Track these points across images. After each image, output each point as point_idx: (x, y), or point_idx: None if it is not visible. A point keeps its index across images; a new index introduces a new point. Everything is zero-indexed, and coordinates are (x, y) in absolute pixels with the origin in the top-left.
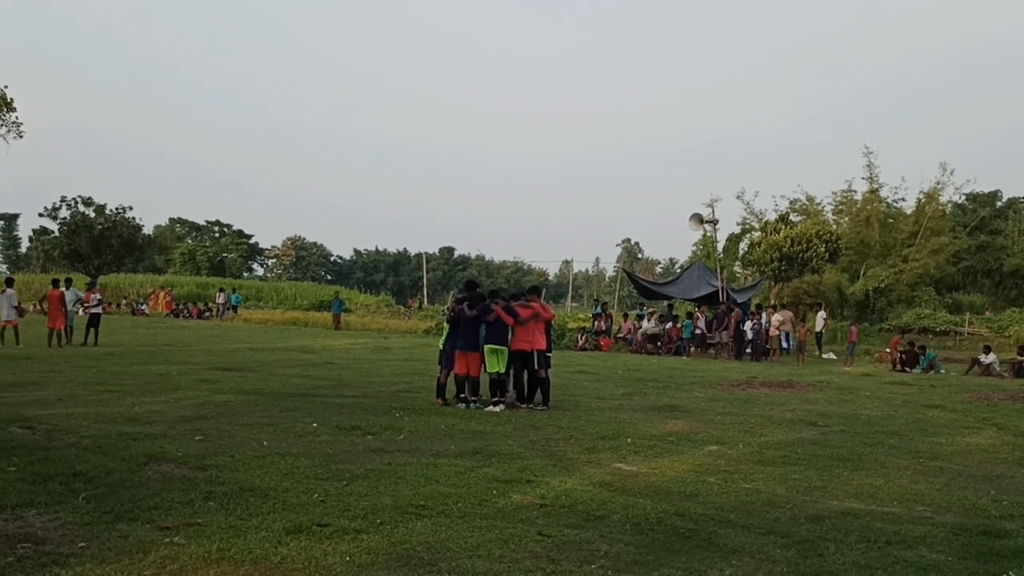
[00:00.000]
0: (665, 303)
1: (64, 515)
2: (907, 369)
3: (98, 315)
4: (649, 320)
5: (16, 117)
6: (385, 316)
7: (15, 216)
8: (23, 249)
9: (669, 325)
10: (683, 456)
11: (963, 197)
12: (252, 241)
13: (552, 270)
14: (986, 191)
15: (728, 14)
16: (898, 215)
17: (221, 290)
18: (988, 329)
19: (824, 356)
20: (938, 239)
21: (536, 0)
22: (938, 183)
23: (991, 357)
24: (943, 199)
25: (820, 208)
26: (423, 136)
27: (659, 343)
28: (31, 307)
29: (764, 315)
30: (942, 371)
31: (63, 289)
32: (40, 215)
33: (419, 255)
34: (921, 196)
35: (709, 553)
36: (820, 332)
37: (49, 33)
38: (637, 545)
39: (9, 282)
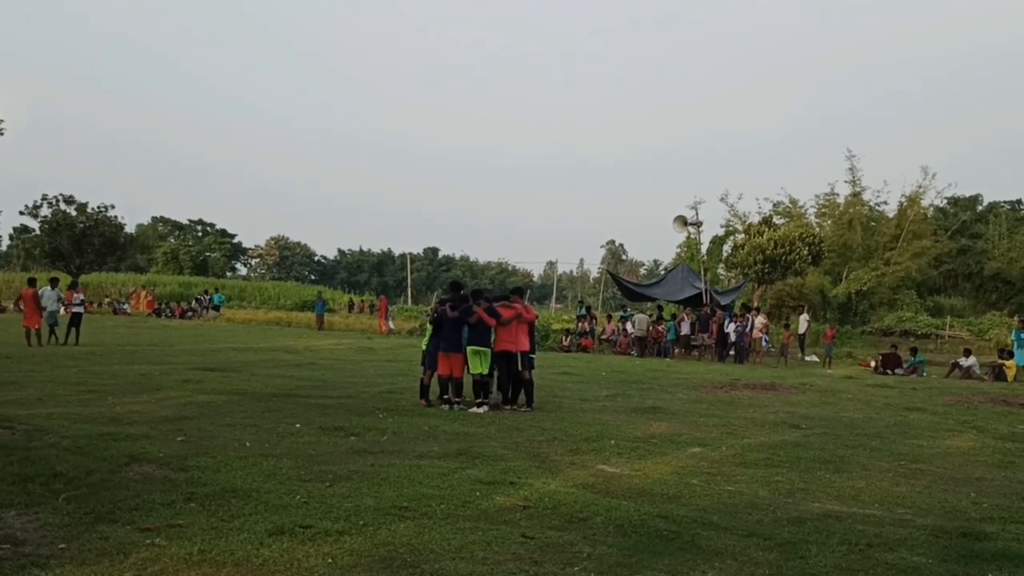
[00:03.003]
0: (655, 304)
1: (44, 516)
2: (888, 372)
3: (80, 314)
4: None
5: None
6: (369, 316)
7: None
8: (3, 247)
9: (650, 327)
10: (666, 458)
11: (944, 201)
12: (235, 240)
13: (536, 271)
14: (967, 195)
15: (713, 21)
16: (880, 218)
17: (205, 291)
18: (968, 332)
19: (807, 359)
20: (920, 242)
21: (525, 3)
22: (920, 187)
23: (971, 360)
24: (925, 203)
25: (803, 211)
26: (409, 136)
27: (645, 345)
28: (10, 306)
29: (750, 317)
30: (924, 373)
31: (41, 289)
32: (21, 213)
33: (403, 255)
34: (903, 200)
35: (692, 555)
36: (803, 335)
37: (28, 25)
38: (620, 547)
39: None
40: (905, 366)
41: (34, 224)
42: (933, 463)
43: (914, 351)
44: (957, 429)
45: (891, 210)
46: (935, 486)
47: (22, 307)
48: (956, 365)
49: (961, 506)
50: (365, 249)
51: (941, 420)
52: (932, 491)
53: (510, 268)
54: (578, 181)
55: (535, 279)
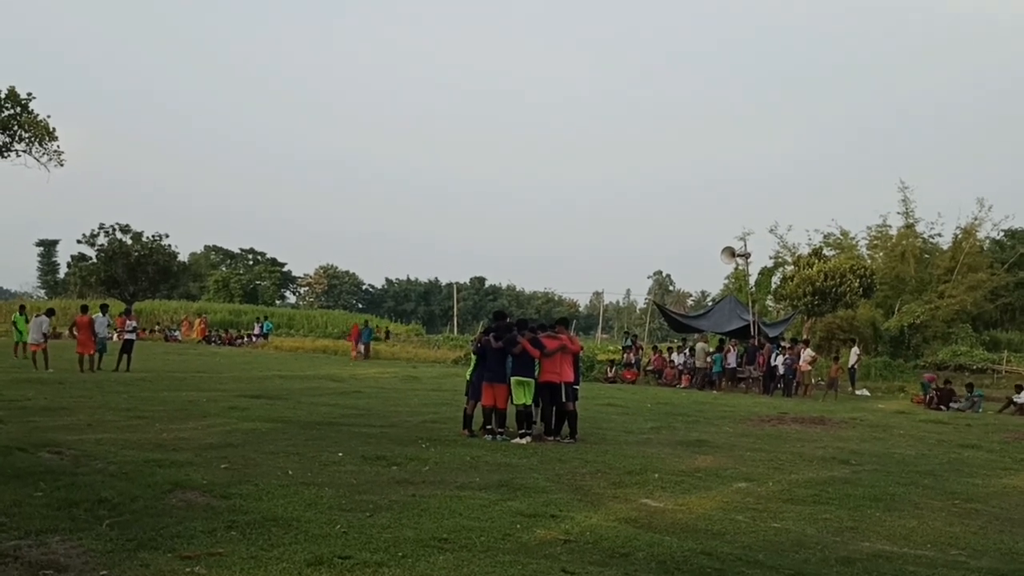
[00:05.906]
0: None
1: (87, 542)
2: (942, 407)
3: (131, 341)
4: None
5: (58, 146)
6: (415, 345)
7: (54, 242)
8: (61, 275)
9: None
10: (711, 493)
11: (1001, 233)
12: (285, 269)
13: (583, 301)
14: None
15: (762, 43)
16: (934, 251)
17: (257, 319)
18: None
19: (857, 392)
20: (975, 275)
21: (570, 25)
22: (976, 219)
23: None
24: (981, 235)
25: (854, 243)
26: (455, 168)
27: (705, 376)
28: (66, 332)
29: (798, 350)
30: (980, 409)
31: (94, 315)
32: (78, 242)
33: (450, 284)
34: (958, 232)
35: None
36: (853, 368)
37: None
38: None
39: (49, 312)
40: (963, 401)
41: (91, 252)
42: (989, 503)
43: (970, 387)
44: (1014, 467)
45: (945, 242)
46: (991, 527)
47: (76, 333)
48: (1011, 401)
49: (1018, 548)
50: (412, 278)
51: (997, 458)
52: (988, 532)
53: (556, 298)
54: (625, 211)
55: (581, 309)
